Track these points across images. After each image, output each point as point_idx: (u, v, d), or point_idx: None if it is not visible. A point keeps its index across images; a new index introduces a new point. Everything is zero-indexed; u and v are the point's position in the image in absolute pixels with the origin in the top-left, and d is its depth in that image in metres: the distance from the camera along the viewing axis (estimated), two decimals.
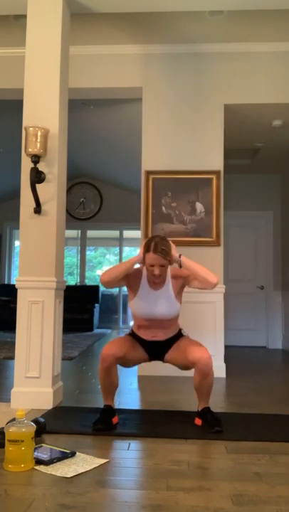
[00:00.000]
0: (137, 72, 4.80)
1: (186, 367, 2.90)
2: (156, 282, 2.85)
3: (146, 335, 2.92)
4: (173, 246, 2.83)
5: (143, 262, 2.81)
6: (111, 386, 2.86)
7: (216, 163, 4.73)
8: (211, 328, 4.60)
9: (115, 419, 2.84)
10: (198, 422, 2.86)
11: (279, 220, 7.28)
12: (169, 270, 2.88)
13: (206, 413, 2.83)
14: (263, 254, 7.31)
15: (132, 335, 2.98)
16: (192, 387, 2.99)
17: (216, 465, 2.23)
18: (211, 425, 2.74)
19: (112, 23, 4.34)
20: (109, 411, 2.84)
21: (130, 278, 2.91)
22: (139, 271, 2.92)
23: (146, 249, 2.75)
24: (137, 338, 2.95)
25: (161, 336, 2.91)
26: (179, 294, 2.92)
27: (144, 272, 2.89)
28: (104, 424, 2.73)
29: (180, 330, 3.01)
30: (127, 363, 2.92)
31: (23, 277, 3.34)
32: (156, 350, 2.95)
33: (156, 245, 2.72)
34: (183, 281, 2.91)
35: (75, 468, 2.14)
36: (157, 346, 2.93)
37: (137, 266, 2.93)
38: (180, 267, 2.85)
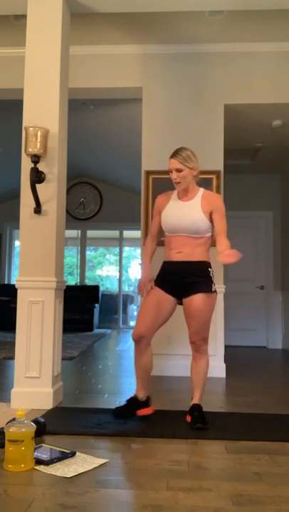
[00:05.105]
0: (137, 72, 4.80)
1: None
2: (180, 190, 2.96)
3: (172, 254, 2.92)
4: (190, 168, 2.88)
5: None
6: (139, 370, 2.96)
7: (216, 163, 4.72)
8: (211, 328, 4.57)
9: (143, 411, 2.94)
10: (188, 419, 2.89)
11: (279, 220, 7.28)
12: (202, 191, 2.97)
13: (194, 410, 2.87)
14: (263, 254, 7.31)
15: (160, 275, 2.97)
16: (192, 387, 3.00)
17: (216, 465, 2.23)
18: (194, 421, 2.78)
19: (112, 23, 4.34)
20: (132, 401, 2.94)
21: (161, 208, 3.02)
22: (167, 195, 3.06)
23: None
24: (164, 272, 2.96)
25: (186, 251, 2.88)
26: (207, 213, 2.89)
27: (175, 191, 3.02)
28: (121, 412, 2.88)
29: (208, 265, 2.92)
30: (160, 323, 2.96)
31: (23, 277, 3.34)
32: (180, 281, 2.87)
33: (175, 151, 2.91)
34: (211, 209, 2.91)
35: (75, 468, 2.14)
36: (182, 272, 2.87)
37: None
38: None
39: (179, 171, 2.87)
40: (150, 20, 4.28)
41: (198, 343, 2.90)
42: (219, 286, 4.59)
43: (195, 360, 2.96)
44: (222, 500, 1.84)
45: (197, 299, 2.84)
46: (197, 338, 2.89)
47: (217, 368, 4.53)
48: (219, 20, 4.26)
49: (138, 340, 2.90)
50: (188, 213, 2.89)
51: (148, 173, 4.73)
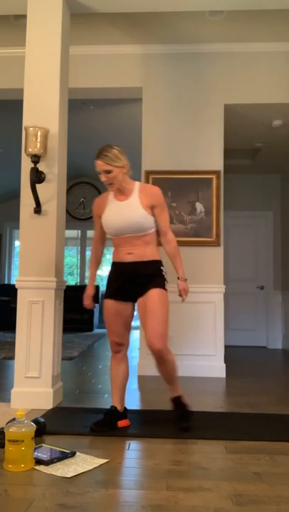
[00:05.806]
0: (137, 72, 4.80)
1: None
2: (112, 190, 2.83)
3: (121, 255, 2.79)
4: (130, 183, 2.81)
5: None
6: (117, 381, 2.84)
7: (216, 163, 4.73)
8: (210, 328, 4.60)
9: (123, 423, 2.79)
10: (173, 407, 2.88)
11: (279, 220, 7.27)
12: (138, 185, 2.84)
13: (176, 404, 2.85)
14: (263, 254, 7.31)
15: (109, 285, 2.85)
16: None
17: (216, 465, 2.23)
18: (179, 420, 2.77)
19: (112, 23, 4.34)
20: (112, 413, 2.78)
21: (100, 212, 2.93)
22: (104, 197, 2.92)
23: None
24: (114, 273, 2.84)
25: (136, 252, 2.75)
26: (148, 208, 2.76)
27: (112, 193, 2.87)
28: (100, 427, 2.69)
29: (160, 264, 2.81)
30: (128, 327, 2.88)
31: (23, 277, 3.34)
32: (133, 284, 2.76)
33: (98, 152, 2.77)
34: (151, 203, 2.78)
35: (75, 468, 2.14)
36: (134, 273, 2.75)
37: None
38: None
39: (107, 172, 2.73)
40: (150, 20, 4.28)
41: (159, 346, 2.67)
42: (219, 286, 4.63)
43: (160, 364, 2.76)
44: (222, 500, 1.84)
45: (152, 294, 2.71)
46: (157, 339, 2.66)
47: (217, 368, 4.54)
48: (219, 20, 4.26)
49: (118, 349, 2.84)
50: (129, 213, 2.74)
51: (148, 173, 4.73)
